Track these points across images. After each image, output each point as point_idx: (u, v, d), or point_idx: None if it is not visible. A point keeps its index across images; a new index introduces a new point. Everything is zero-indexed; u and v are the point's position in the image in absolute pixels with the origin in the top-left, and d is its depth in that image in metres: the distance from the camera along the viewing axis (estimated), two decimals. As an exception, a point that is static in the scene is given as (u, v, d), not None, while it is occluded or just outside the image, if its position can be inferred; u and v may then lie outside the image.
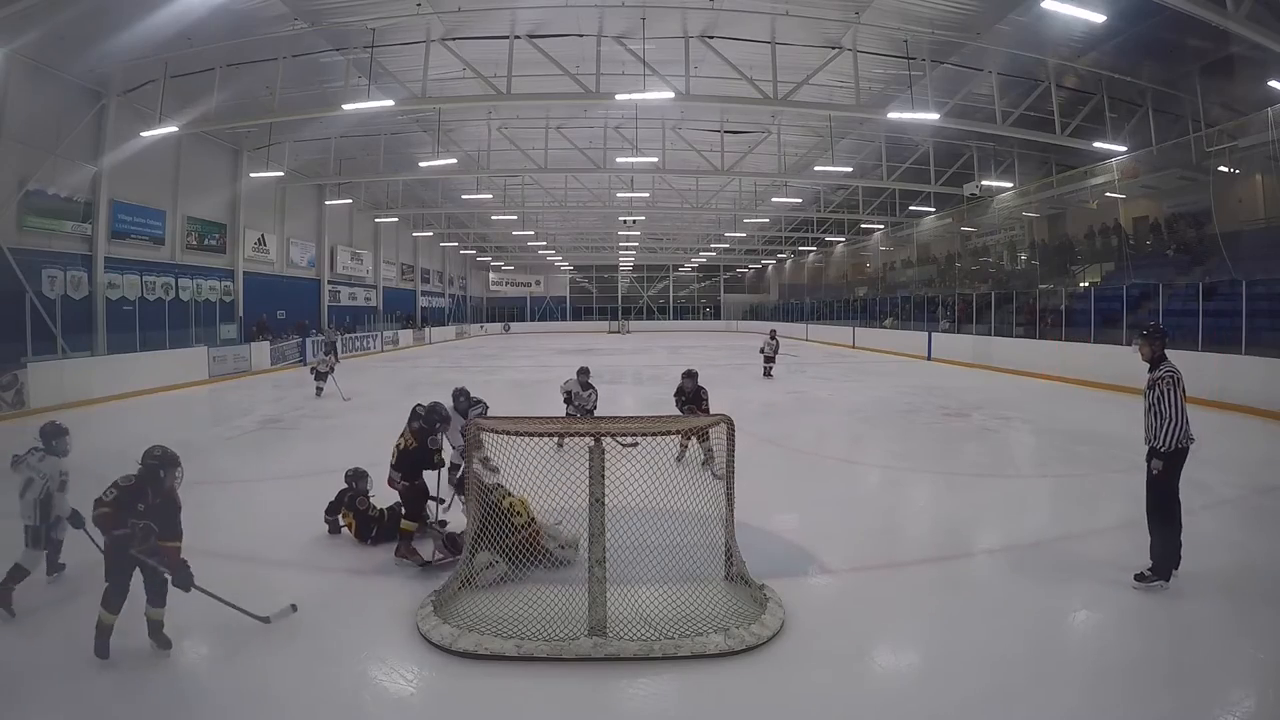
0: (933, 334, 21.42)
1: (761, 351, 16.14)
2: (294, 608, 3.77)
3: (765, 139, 19.64)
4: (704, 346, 29.37)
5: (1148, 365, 4.27)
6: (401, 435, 4.97)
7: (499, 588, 4.01)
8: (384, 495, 5.13)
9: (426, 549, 4.65)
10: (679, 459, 6.19)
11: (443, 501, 5.18)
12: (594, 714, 3.01)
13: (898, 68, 14.01)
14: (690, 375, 7.76)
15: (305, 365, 19.89)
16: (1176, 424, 4.00)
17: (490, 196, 26.39)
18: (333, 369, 13.52)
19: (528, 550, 4.15)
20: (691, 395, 7.71)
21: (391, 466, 4.87)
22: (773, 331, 16.75)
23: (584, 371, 8.22)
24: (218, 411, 12.07)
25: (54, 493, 4.10)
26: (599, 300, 51.24)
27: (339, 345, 20.89)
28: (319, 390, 13.15)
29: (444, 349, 29.92)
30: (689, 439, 6.21)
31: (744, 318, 46.99)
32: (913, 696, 3.06)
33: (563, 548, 4.37)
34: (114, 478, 3.44)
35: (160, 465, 3.49)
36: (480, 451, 5.04)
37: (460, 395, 6.24)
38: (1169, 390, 4.05)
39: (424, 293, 37.60)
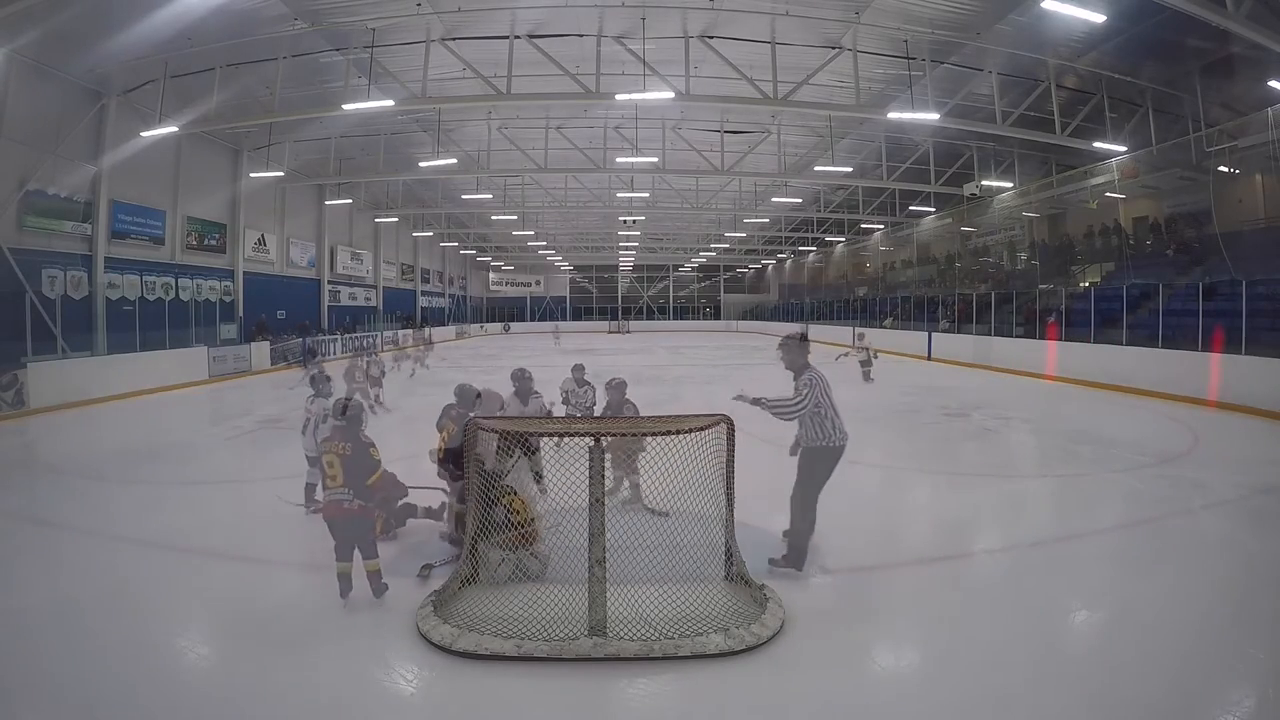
0: (933, 334, 21.42)
1: (862, 356, 15.05)
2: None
3: (765, 139, 19.64)
4: (703, 346, 29.38)
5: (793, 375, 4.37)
6: (441, 432, 5.03)
7: (501, 587, 4.01)
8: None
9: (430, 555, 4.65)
10: (610, 493, 5.05)
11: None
12: (594, 714, 3.01)
13: (898, 68, 14.01)
14: (615, 386, 6.23)
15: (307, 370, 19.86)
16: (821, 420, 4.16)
17: (490, 196, 26.39)
18: (385, 373, 11.67)
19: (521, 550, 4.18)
20: (616, 410, 6.18)
21: (440, 464, 4.91)
22: (860, 334, 16.13)
23: (579, 369, 7.83)
24: (218, 411, 12.07)
25: (320, 425, 5.09)
26: (599, 300, 51.25)
27: (320, 352, 19.88)
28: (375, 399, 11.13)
29: (445, 349, 29.87)
30: (619, 470, 5.53)
31: (744, 318, 47.02)
32: (913, 696, 3.06)
33: (534, 557, 4.25)
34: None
35: (361, 409, 4.11)
36: (536, 464, 4.90)
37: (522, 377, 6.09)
38: (808, 394, 4.16)
39: (424, 293, 37.60)
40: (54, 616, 3.79)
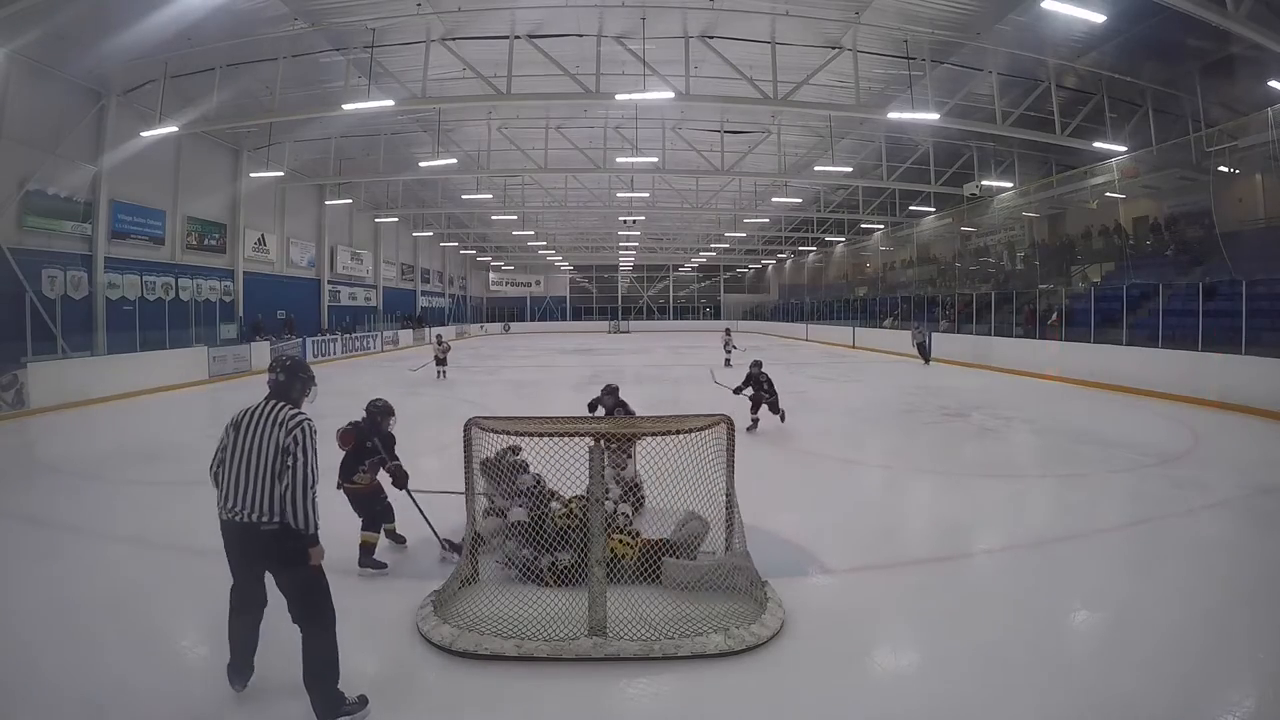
0: (933, 334, 21.41)
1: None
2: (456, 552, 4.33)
3: (765, 139, 19.64)
4: (704, 346, 29.36)
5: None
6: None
7: (500, 586, 4.00)
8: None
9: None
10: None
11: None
12: (594, 714, 3.01)
13: (898, 68, 14.01)
14: (376, 412, 4.68)
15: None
16: None
17: (490, 196, 26.39)
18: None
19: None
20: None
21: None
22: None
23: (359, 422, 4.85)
24: (218, 412, 12.05)
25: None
26: (599, 300, 51.28)
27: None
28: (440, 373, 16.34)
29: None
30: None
31: (744, 318, 46.99)
32: (912, 696, 3.06)
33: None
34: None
35: (380, 413, 4.57)
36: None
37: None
38: None
39: (424, 293, 37.60)
40: (54, 617, 3.78)
